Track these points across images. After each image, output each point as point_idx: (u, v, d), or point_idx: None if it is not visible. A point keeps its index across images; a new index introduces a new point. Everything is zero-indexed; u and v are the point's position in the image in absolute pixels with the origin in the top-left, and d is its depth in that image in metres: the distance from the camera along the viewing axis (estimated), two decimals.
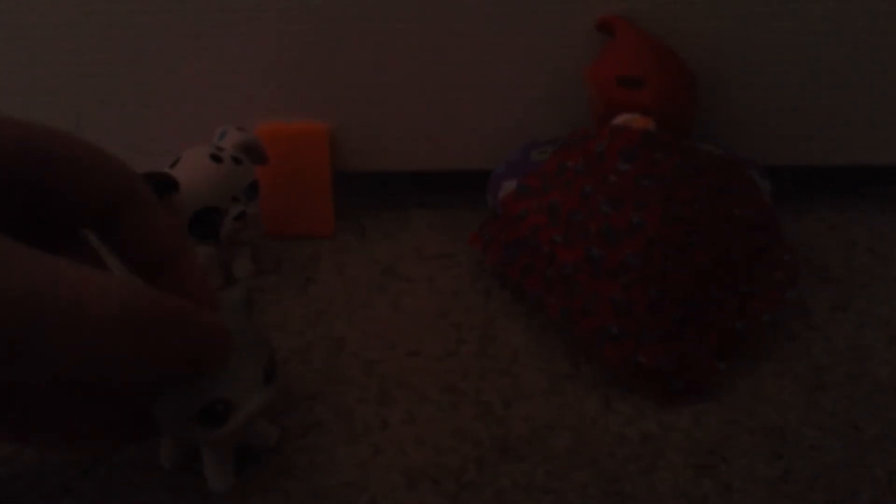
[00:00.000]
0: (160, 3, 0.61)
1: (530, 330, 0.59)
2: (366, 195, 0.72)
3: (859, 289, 0.61)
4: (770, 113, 0.64)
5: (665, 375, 0.53)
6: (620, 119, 0.55)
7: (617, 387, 0.54)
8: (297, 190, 0.66)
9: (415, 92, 0.65)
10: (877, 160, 0.67)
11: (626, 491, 0.48)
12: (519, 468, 0.50)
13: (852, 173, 0.70)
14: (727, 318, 0.54)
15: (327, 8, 0.61)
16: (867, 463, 0.49)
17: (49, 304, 0.31)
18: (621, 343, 0.53)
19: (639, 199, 0.52)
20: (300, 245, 0.67)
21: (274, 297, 0.63)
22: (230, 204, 0.58)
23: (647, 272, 0.52)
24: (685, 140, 0.55)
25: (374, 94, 0.65)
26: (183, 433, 0.46)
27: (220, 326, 0.41)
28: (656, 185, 0.53)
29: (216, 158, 0.57)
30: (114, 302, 0.33)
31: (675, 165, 0.53)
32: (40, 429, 0.42)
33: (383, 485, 0.49)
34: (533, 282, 0.56)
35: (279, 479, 0.49)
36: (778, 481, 0.49)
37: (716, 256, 0.54)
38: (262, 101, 0.65)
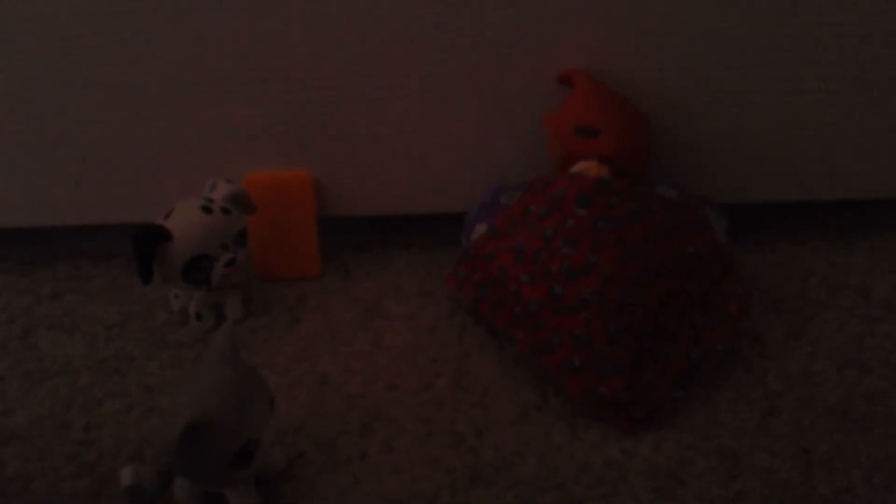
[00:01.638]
0: (156, 69, 0.66)
1: (502, 363, 0.62)
2: (351, 237, 0.76)
3: (812, 318, 0.65)
4: (725, 154, 0.68)
5: (626, 405, 0.56)
6: (578, 167, 0.60)
7: (583, 416, 0.58)
8: (284, 235, 0.71)
9: (394, 142, 0.69)
10: (830, 195, 0.71)
11: None
12: (489, 493, 0.53)
13: (808, 208, 0.74)
14: (683, 349, 0.58)
15: (308, 65, 0.66)
16: (815, 483, 0.53)
17: None
18: (584, 375, 0.56)
19: (595, 240, 0.56)
20: (288, 287, 0.71)
21: (264, 337, 0.66)
22: (220, 251, 0.62)
23: (605, 308, 0.56)
24: (638, 185, 0.60)
25: (356, 144, 0.69)
26: (218, 480, 0.49)
27: None
28: (611, 227, 0.57)
29: (206, 210, 0.61)
30: None
31: (629, 209, 0.57)
32: None
33: None
34: (503, 318, 0.60)
35: None
36: (731, 501, 0.52)
37: (670, 291, 0.57)
38: (250, 153, 0.69)
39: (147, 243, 0.60)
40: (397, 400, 0.60)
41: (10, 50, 0.65)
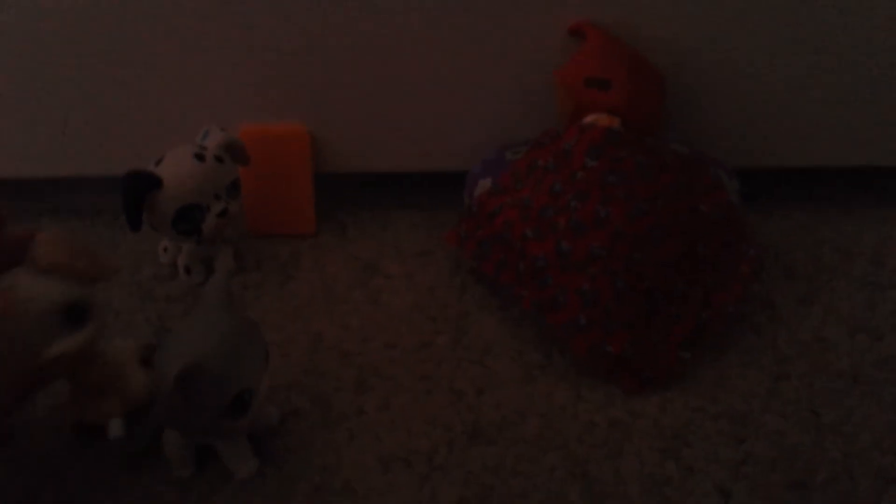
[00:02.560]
0: (149, 8, 0.63)
1: (504, 323, 0.60)
2: (347, 196, 0.74)
3: (824, 285, 0.63)
4: (740, 116, 0.66)
5: (632, 364, 0.54)
6: (588, 119, 0.57)
7: (588, 377, 0.56)
8: (279, 190, 0.68)
9: (395, 96, 0.67)
10: (843, 162, 0.69)
11: (592, 474, 0.50)
12: (489, 451, 0.51)
13: (822, 175, 0.72)
14: (692, 310, 0.56)
15: (310, 15, 0.63)
16: (825, 446, 0.51)
17: None
18: (590, 333, 0.54)
19: (605, 194, 0.54)
20: (282, 243, 0.69)
21: (255, 294, 0.64)
22: (213, 201, 0.60)
23: (613, 264, 0.54)
24: (650, 139, 0.58)
25: (355, 97, 0.67)
26: (210, 431, 0.47)
27: None
28: (621, 181, 0.55)
29: (199, 157, 0.59)
30: None
31: (639, 163, 0.55)
32: None
33: (358, 468, 0.50)
34: (506, 276, 0.58)
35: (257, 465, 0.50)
36: (739, 463, 0.50)
37: (681, 250, 0.56)
38: (246, 104, 0.67)
39: (137, 189, 0.57)
40: (395, 358, 0.58)
41: None
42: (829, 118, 0.67)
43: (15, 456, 0.51)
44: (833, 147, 0.68)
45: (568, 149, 0.56)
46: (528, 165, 0.59)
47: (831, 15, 0.62)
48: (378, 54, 0.65)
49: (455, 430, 0.52)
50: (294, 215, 0.69)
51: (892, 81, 0.65)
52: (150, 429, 0.49)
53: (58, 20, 0.63)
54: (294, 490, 0.49)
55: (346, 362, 0.58)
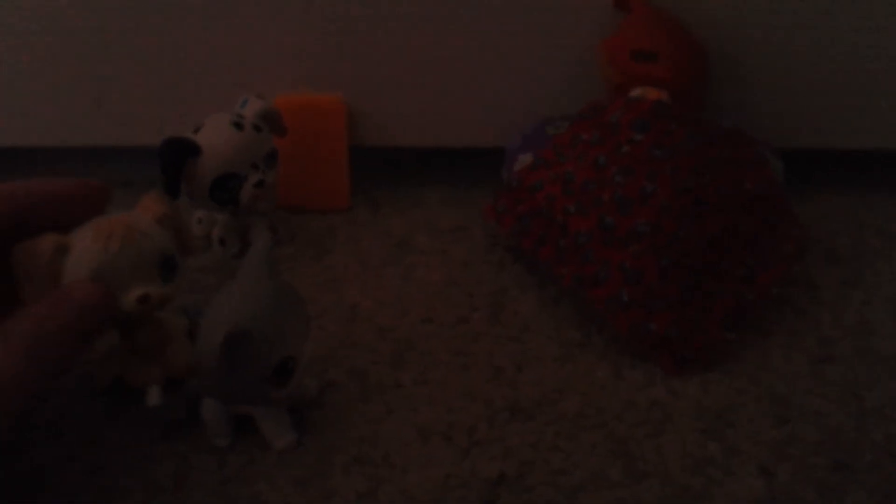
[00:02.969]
0: None
1: (542, 300, 0.60)
2: (381, 171, 0.73)
3: (867, 267, 0.62)
4: (784, 95, 0.65)
5: (675, 343, 0.54)
6: (635, 92, 0.56)
7: (628, 355, 0.55)
8: (313, 163, 0.68)
9: (431, 69, 0.66)
10: (886, 144, 0.68)
11: (633, 452, 0.49)
12: (528, 427, 0.51)
13: (864, 158, 0.71)
14: (735, 289, 0.55)
15: None
16: (868, 429, 0.50)
17: None
18: (632, 311, 0.53)
19: (651, 169, 0.53)
20: (315, 218, 0.69)
21: (289, 267, 0.64)
22: (250, 171, 0.59)
23: (658, 241, 0.53)
24: (697, 113, 0.56)
25: (392, 70, 0.66)
26: (253, 398, 0.47)
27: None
28: (668, 155, 0.54)
29: (237, 125, 0.59)
30: None
31: (687, 136, 0.54)
32: None
33: (396, 440, 0.50)
34: (546, 252, 0.57)
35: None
36: (782, 444, 0.49)
37: (725, 227, 0.55)
38: (283, 74, 0.66)
39: (176, 156, 0.57)
40: (431, 333, 0.57)
41: None
42: (876, 99, 0.65)
43: (49, 420, 0.51)
44: (877, 130, 0.67)
45: (614, 122, 0.55)
46: (571, 139, 0.58)
47: None
48: (415, 26, 0.64)
49: (494, 406, 0.52)
50: (328, 189, 0.69)
51: None
52: (189, 398, 0.48)
53: None
54: (332, 461, 0.48)
55: (382, 336, 0.57)
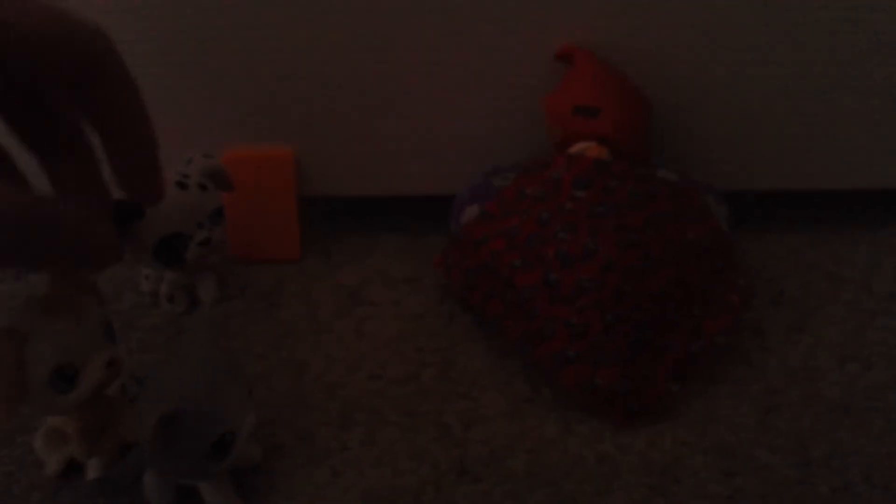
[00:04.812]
0: (130, 29, 0.62)
1: (491, 354, 0.60)
2: (333, 220, 0.73)
3: (814, 311, 0.63)
4: (727, 139, 0.66)
5: (621, 397, 0.54)
6: (576, 147, 0.57)
7: (576, 410, 0.55)
8: (263, 214, 0.67)
9: (380, 119, 0.66)
10: (834, 185, 0.69)
11: None
12: (476, 489, 0.50)
13: (811, 198, 0.72)
14: (682, 341, 0.55)
15: (294, 37, 0.62)
16: (814, 481, 0.51)
17: None
18: (579, 366, 0.54)
19: (593, 226, 0.54)
20: (266, 269, 0.68)
21: (239, 322, 0.63)
22: (195, 230, 0.59)
23: (603, 296, 0.53)
24: (639, 167, 0.57)
25: (340, 120, 0.66)
26: (191, 474, 0.46)
27: (105, 231, 0.41)
28: (610, 211, 0.54)
29: (182, 185, 0.58)
30: None
31: (629, 192, 0.55)
32: None
33: None
34: (494, 307, 0.57)
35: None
36: (728, 500, 0.50)
37: (671, 280, 0.55)
38: (230, 127, 0.66)
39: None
40: (380, 390, 0.57)
41: None
42: (821, 141, 0.66)
43: None
44: (825, 170, 0.68)
45: (556, 178, 0.56)
46: (516, 193, 0.58)
47: (822, 39, 0.62)
48: (363, 77, 0.64)
49: (442, 468, 0.51)
50: (278, 240, 0.68)
51: (886, 103, 0.64)
52: (129, 471, 0.48)
53: None
54: None
55: (331, 394, 0.57)
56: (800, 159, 0.67)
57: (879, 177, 0.67)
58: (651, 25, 0.61)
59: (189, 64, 0.63)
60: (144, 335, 0.62)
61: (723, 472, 0.51)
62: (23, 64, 0.36)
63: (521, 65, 0.62)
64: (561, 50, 0.61)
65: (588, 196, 0.54)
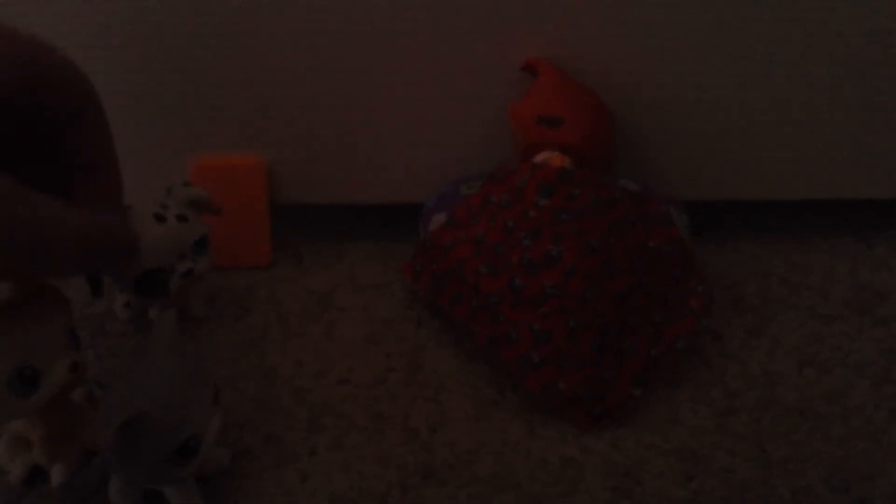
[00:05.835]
0: (92, 37, 0.62)
1: (458, 358, 0.61)
2: (304, 226, 0.73)
3: (772, 317, 0.64)
4: (687, 150, 0.67)
5: (585, 401, 0.55)
6: (540, 156, 0.58)
7: (540, 413, 0.56)
8: (234, 222, 0.68)
9: (351, 127, 0.67)
10: (792, 195, 0.70)
11: None
12: (442, 492, 0.51)
13: (769, 207, 0.74)
14: (644, 346, 0.56)
15: (263, 44, 0.63)
16: (774, 483, 0.52)
17: None
18: (543, 371, 0.55)
19: (557, 232, 0.55)
20: (237, 276, 0.68)
21: (209, 327, 0.63)
22: (177, 262, 0.57)
23: (566, 302, 0.54)
24: (601, 176, 0.58)
25: (311, 128, 0.67)
26: (156, 479, 0.46)
27: (127, 231, 0.42)
28: (573, 218, 0.55)
29: (160, 218, 0.56)
30: None
31: (591, 200, 0.56)
32: None
33: None
34: (461, 311, 0.58)
35: None
36: (689, 502, 0.51)
37: (632, 286, 0.56)
38: (200, 135, 0.66)
39: None
40: (349, 394, 0.58)
41: None
42: (778, 153, 0.68)
43: None
44: (782, 180, 0.70)
45: (521, 186, 0.57)
46: (482, 201, 0.59)
47: (776, 49, 0.63)
48: (334, 86, 0.65)
49: (408, 470, 0.52)
50: (249, 247, 0.69)
51: (844, 115, 0.66)
52: (94, 476, 0.48)
53: None
54: None
55: (300, 399, 0.58)
56: (757, 170, 0.69)
57: (834, 187, 0.69)
58: (614, 39, 0.62)
59: (161, 71, 0.64)
60: (114, 341, 0.62)
61: (684, 475, 0.53)
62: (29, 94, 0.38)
63: (489, 77, 0.64)
64: (526, 62, 0.62)
65: (552, 203, 0.55)
